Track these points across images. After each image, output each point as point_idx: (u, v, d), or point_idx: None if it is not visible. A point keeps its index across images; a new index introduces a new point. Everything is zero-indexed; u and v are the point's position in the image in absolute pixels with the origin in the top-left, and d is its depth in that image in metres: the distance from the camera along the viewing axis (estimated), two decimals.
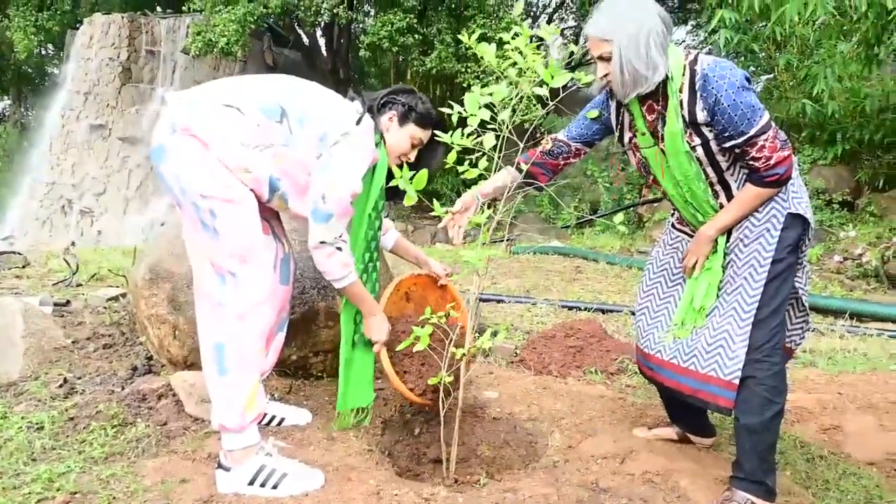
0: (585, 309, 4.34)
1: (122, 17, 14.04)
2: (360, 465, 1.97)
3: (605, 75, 1.80)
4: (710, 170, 1.85)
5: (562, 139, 2.11)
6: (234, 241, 1.77)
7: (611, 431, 2.26)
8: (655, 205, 9.06)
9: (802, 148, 7.92)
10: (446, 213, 2.02)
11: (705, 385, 1.84)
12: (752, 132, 1.72)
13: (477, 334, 1.96)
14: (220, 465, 1.83)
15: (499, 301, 4.54)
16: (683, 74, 1.76)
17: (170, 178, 1.77)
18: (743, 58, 9.09)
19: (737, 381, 1.79)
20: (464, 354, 1.92)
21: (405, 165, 1.99)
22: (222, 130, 1.77)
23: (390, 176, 2.08)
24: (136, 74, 14.15)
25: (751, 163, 1.76)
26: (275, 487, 1.80)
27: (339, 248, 1.93)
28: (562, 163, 2.13)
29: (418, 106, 2.07)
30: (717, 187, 1.88)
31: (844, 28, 6.65)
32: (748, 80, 1.76)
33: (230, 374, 1.80)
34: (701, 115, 1.75)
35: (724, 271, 1.90)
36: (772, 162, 1.73)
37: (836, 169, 7.60)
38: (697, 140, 1.80)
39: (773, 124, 1.75)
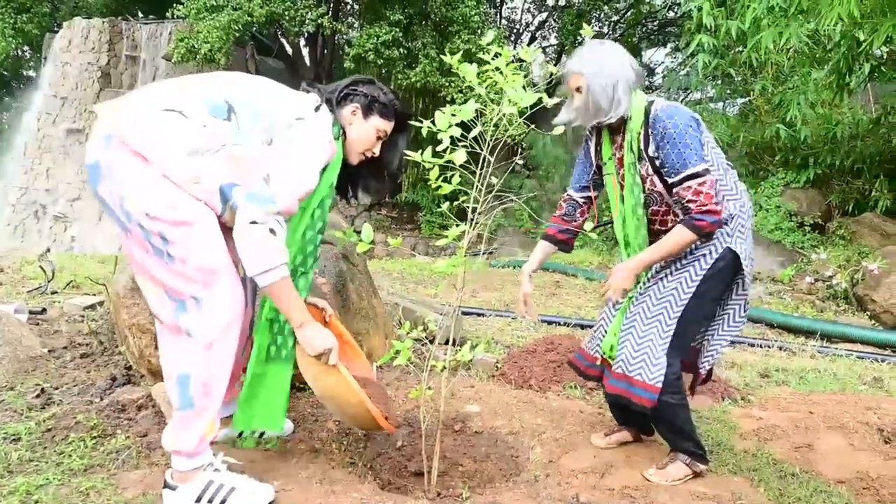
0: (565, 324, 4.39)
1: (103, 22, 13.90)
2: (344, 477, 1.97)
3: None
4: (667, 195, 2.01)
5: (569, 195, 2.28)
6: (192, 264, 1.62)
7: (591, 446, 2.30)
8: None
9: (776, 171, 8.12)
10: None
11: (632, 387, 2.01)
12: (686, 172, 1.91)
13: (457, 347, 1.98)
14: (166, 485, 1.74)
15: (479, 314, 4.57)
16: (644, 116, 1.99)
17: (110, 200, 1.60)
18: (720, 81, 9.30)
19: (659, 385, 1.97)
20: (444, 367, 1.95)
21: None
22: (164, 140, 1.60)
23: (342, 172, 1.97)
24: (115, 79, 13.99)
25: (687, 204, 1.92)
26: (223, 503, 1.73)
27: (273, 231, 1.65)
28: (580, 219, 2.27)
29: (381, 96, 1.96)
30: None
31: (817, 57, 6.86)
32: (697, 122, 1.97)
33: (195, 405, 1.69)
34: (651, 149, 1.98)
35: (646, 283, 2.08)
36: (705, 208, 1.90)
37: (808, 192, 7.80)
38: (652, 171, 2.00)
39: (712, 178, 1.92)
